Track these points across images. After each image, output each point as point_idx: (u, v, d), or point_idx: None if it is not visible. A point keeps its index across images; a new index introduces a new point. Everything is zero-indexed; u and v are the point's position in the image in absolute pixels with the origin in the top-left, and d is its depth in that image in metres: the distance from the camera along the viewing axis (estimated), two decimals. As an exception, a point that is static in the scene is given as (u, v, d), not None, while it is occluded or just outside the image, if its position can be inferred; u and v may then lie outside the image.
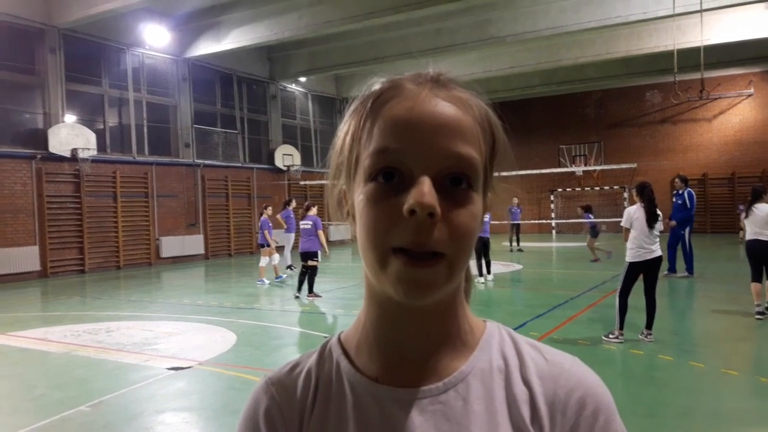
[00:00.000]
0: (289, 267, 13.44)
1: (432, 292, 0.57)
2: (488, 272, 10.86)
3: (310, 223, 9.68)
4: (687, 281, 10.63)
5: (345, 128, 0.65)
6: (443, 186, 0.57)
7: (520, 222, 17.99)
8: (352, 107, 0.65)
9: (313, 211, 9.85)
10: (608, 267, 12.47)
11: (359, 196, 0.60)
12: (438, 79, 0.63)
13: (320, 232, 9.61)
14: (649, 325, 6.28)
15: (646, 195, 6.23)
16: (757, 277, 7.40)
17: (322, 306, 9.28)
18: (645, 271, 6.23)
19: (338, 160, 0.66)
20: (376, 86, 0.63)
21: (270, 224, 12.03)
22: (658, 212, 6.22)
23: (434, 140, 0.57)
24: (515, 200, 18.23)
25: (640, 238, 6.13)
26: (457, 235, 0.57)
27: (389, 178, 0.58)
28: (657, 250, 6.18)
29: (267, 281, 11.85)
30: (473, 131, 0.60)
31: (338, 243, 22.67)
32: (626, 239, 6.29)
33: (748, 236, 7.46)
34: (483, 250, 10.73)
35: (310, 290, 9.73)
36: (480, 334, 0.67)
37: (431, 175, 0.56)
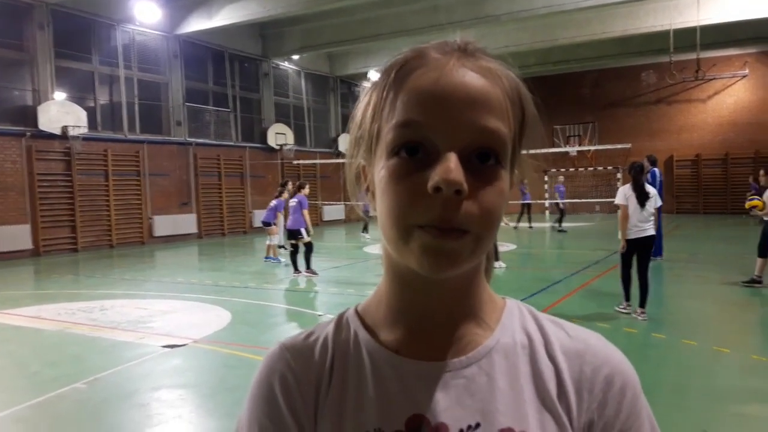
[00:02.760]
0: (281, 247, 13.37)
1: (457, 264, 0.55)
2: (496, 258, 10.00)
3: (296, 201, 9.88)
4: (670, 262, 10.69)
5: (366, 100, 0.62)
6: (470, 162, 0.54)
7: (531, 202, 18.00)
8: (375, 79, 0.62)
9: (305, 191, 10.06)
10: (601, 246, 12.51)
11: (381, 171, 0.57)
12: (466, 48, 0.59)
13: (305, 211, 9.76)
14: (642, 304, 6.35)
15: (632, 175, 6.38)
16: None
17: (316, 285, 9.29)
18: (638, 249, 6.34)
19: (357, 134, 0.64)
20: (400, 56, 0.60)
21: (283, 206, 12.02)
22: (647, 191, 6.30)
23: (461, 114, 0.54)
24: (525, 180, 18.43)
25: (634, 216, 6.27)
26: (484, 214, 0.54)
27: (413, 152, 0.55)
28: (649, 229, 6.31)
29: (282, 259, 11.64)
30: (502, 104, 0.57)
31: (331, 223, 22.67)
32: (623, 216, 6.36)
33: None
34: None
35: (308, 266, 9.87)
36: (500, 310, 0.66)
37: (457, 150, 0.54)
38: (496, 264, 9.95)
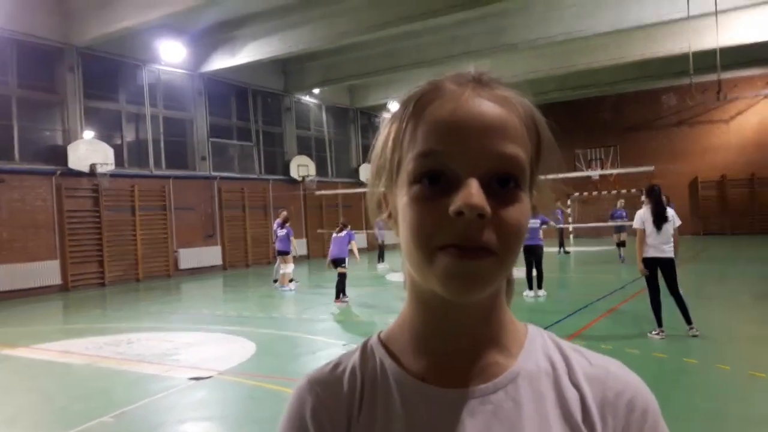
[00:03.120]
0: (292, 280, 13.15)
1: (481, 286, 0.56)
2: (539, 286, 9.77)
3: (345, 234, 10.37)
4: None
5: (386, 132, 0.64)
6: (490, 187, 0.56)
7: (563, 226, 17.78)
8: (393, 111, 0.64)
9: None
10: (628, 271, 12.30)
11: (403, 197, 0.59)
12: (480, 78, 0.61)
13: (353, 243, 10.42)
14: (688, 321, 6.42)
15: (653, 197, 6.44)
16: None
17: (339, 314, 9.29)
18: (661, 270, 6.37)
19: (378, 164, 0.65)
20: (417, 89, 0.62)
21: (292, 233, 12.48)
22: (668, 214, 6.35)
23: (480, 142, 0.56)
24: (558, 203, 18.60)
25: (652, 238, 6.35)
26: (507, 234, 0.56)
27: (434, 180, 0.57)
28: (668, 252, 6.33)
29: (292, 288, 12.13)
30: (519, 130, 0.59)
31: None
32: (640, 239, 6.44)
33: None
34: (535, 260, 9.60)
35: (337, 296, 10.08)
36: (523, 336, 0.67)
37: (478, 177, 0.55)
38: (541, 292, 9.82)
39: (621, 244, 15.09)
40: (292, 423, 0.66)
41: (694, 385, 5.01)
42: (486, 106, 0.58)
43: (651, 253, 6.34)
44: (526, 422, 0.60)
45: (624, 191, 24.89)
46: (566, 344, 0.67)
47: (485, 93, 0.59)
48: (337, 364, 0.68)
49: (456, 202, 0.54)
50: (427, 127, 0.58)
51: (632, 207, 24.12)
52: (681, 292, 6.36)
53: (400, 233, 0.61)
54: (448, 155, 0.56)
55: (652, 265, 6.37)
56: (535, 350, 0.65)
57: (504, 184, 0.57)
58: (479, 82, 0.61)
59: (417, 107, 0.60)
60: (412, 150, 0.58)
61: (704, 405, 4.48)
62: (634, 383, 0.64)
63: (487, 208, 0.54)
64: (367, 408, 0.64)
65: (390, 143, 0.63)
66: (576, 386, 0.63)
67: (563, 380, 0.63)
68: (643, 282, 6.60)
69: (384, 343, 0.68)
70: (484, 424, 0.60)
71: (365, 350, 0.69)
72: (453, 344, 0.63)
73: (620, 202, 16.44)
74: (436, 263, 0.56)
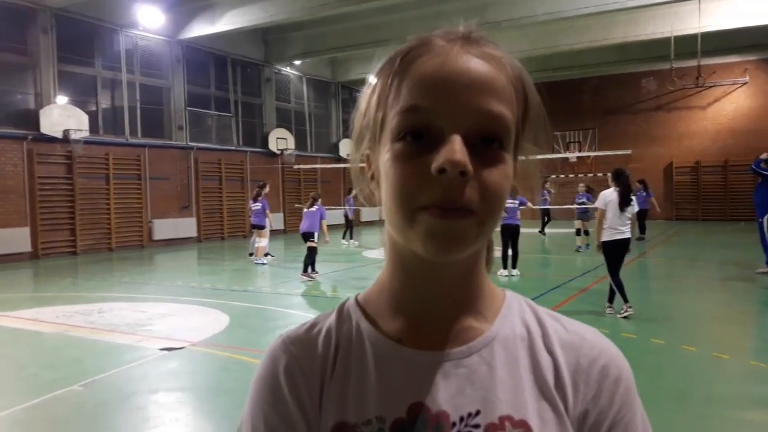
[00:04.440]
0: (267, 254, 13.07)
1: (462, 246, 0.56)
2: (514, 266, 9.72)
3: (317, 208, 10.09)
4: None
5: (369, 90, 0.63)
6: (474, 145, 0.55)
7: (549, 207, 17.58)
8: (379, 67, 0.62)
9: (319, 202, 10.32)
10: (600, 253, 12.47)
11: (385, 155, 0.58)
12: (469, 36, 0.60)
13: (323, 222, 10.00)
14: (610, 300, 6.76)
15: (622, 181, 6.62)
16: None
17: (314, 288, 9.30)
18: (617, 251, 6.61)
19: (362, 123, 0.64)
20: (404, 44, 0.61)
21: (268, 206, 12.40)
22: (632, 197, 6.59)
23: (466, 98, 0.55)
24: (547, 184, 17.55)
25: (614, 220, 6.54)
26: (489, 195, 0.55)
27: (418, 137, 0.56)
28: (627, 232, 6.58)
29: (266, 261, 12.12)
30: (506, 90, 0.58)
31: (331, 227, 22.62)
32: (600, 219, 6.65)
33: None
34: (511, 240, 9.55)
35: (305, 270, 9.94)
36: (500, 302, 0.67)
37: (462, 134, 0.54)
38: (515, 271, 9.82)
39: (584, 232, 14.09)
40: (265, 381, 0.65)
41: (660, 365, 5.13)
42: (474, 63, 0.57)
43: (611, 235, 6.52)
44: (499, 386, 0.61)
45: (590, 175, 25.18)
46: (543, 310, 0.68)
47: (474, 50, 0.58)
48: (312, 325, 0.68)
49: (438, 159, 0.53)
50: (412, 83, 0.57)
51: (607, 189, 24.54)
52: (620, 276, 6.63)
53: (382, 194, 0.60)
54: (432, 111, 0.55)
55: (612, 247, 6.56)
56: (511, 315, 0.65)
57: (488, 143, 0.56)
58: (468, 39, 0.60)
59: (403, 62, 0.59)
60: (397, 105, 0.57)
61: (670, 385, 4.58)
62: (609, 350, 0.64)
63: (469, 166, 0.53)
64: (340, 368, 0.64)
65: (374, 100, 0.61)
66: (550, 352, 0.63)
67: (538, 345, 0.63)
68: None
69: (361, 306, 0.68)
70: (457, 386, 0.61)
71: (341, 312, 0.69)
72: (430, 307, 0.63)
73: (582, 186, 15.09)
74: (417, 223, 0.55)
